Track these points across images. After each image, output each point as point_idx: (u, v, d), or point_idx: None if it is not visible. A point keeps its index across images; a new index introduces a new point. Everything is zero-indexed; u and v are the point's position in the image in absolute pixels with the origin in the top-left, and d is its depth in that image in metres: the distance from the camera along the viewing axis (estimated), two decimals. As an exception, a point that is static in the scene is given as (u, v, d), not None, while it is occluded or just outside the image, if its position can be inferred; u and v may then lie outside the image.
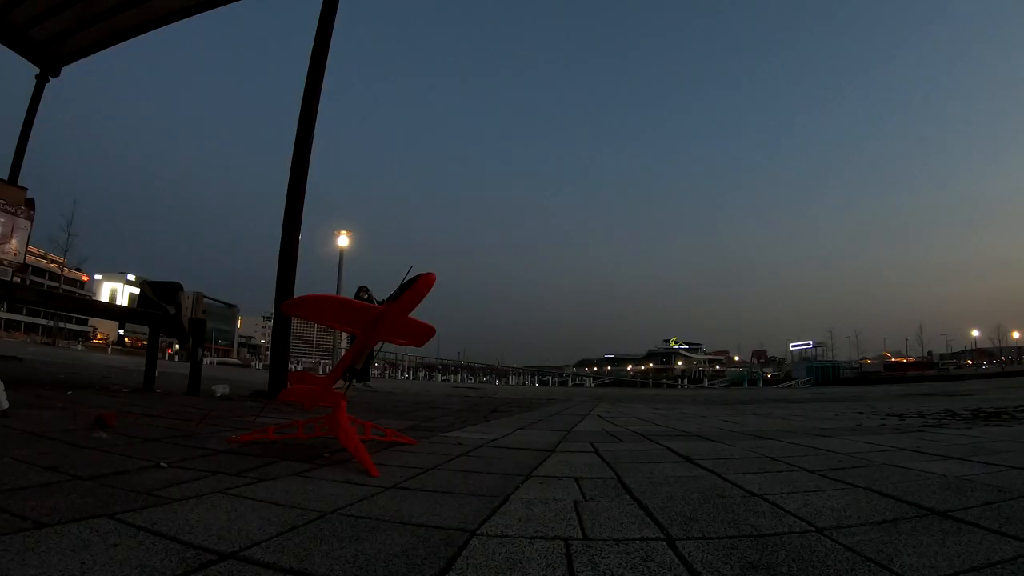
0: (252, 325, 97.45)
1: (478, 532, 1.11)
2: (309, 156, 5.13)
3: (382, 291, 2.04)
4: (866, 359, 74.90)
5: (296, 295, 4.66)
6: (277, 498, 1.32)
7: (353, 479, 1.59)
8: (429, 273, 1.87)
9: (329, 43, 5.31)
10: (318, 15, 5.28)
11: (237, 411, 3.40)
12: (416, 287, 1.86)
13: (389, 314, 1.91)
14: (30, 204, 3.86)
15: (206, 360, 6.26)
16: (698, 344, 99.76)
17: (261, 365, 46.69)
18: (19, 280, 3.83)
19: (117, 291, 78.00)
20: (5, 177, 5.62)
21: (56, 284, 49.94)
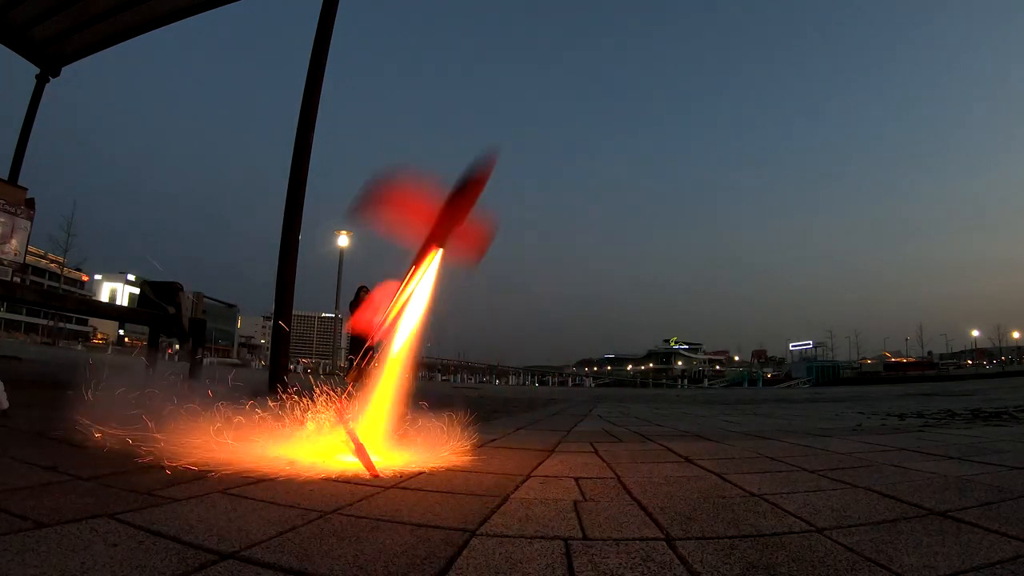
0: (252, 325, 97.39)
1: (478, 532, 1.11)
2: (309, 156, 5.12)
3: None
4: (866, 359, 74.83)
5: (295, 295, 4.65)
6: (277, 498, 1.32)
7: (353, 479, 1.59)
8: (492, 154, 1.71)
9: (329, 43, 5.30)
10: (318, 15, 5.28)
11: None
12: (481, 170, 1.69)
13: (457, 202, 1.75)
14: (30, 204, 3.86)
15: (206, 360, 6.25)
16: (698, 344, 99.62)
17: (261, 365, 46.71)
18: (19, 280, 3.83)
19: (117, 291, 77.99)
20: (5, 177, 5.62)
21: (56, 284, 49.97)
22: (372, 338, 2.00)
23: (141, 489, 1.32)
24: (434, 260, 1.91)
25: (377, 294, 2.00)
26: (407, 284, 1.91)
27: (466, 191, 1.75)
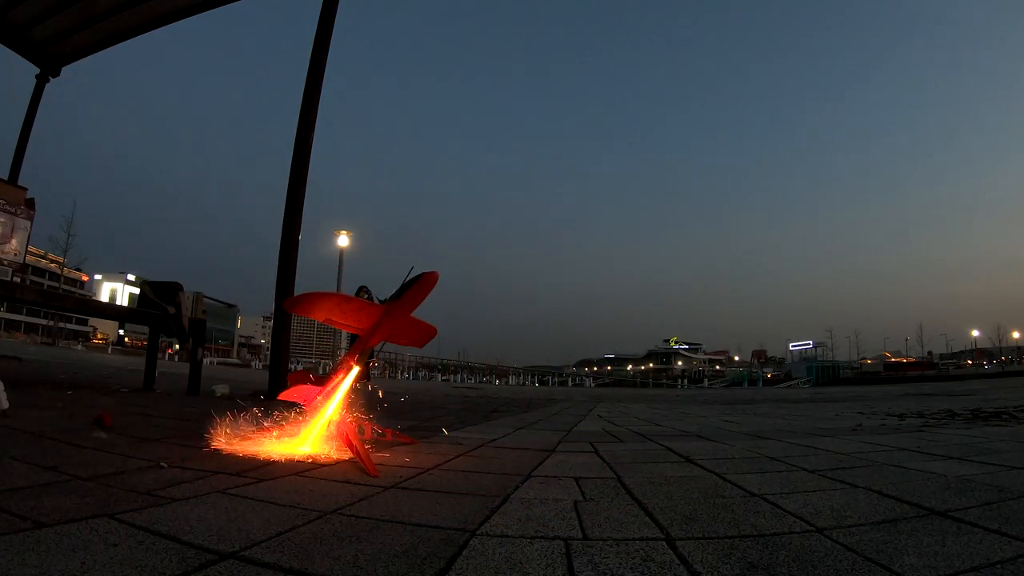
0: (252, 325, 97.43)
1: (478, 532, 1.11)
2: (309, 156, 5.13)
3: (382, 292, 2.04)
4: (866, 359, 74.80)
5: (295, 295, 4.66)
6: (277, 498, 1.32)
7: (353, 479, 1.59)
8: (432, 271, 1.86)
9: (329, 43, 5.31)
10: (318, 15, 5.28)
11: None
12: (419, 285, 1.86)
13: (391, 313, 1.91)
14: (30, 204, 3.86)
15: (206, 360, 6.25)
16: (698, 344, 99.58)
17: (261, 365, 46.71)
18: (19, 280, 3.83)
19: (117, 291, 78.00)
20: (5, 177, 5.61)
21: (56, 284, 49.97)
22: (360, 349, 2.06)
23: (141, 489, 1.32)
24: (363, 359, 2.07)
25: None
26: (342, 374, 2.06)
27: (403, 304, 1.91)
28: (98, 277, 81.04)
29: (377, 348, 2.14)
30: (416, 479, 1.64)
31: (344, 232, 21.21)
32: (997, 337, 72.91)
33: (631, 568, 0.93)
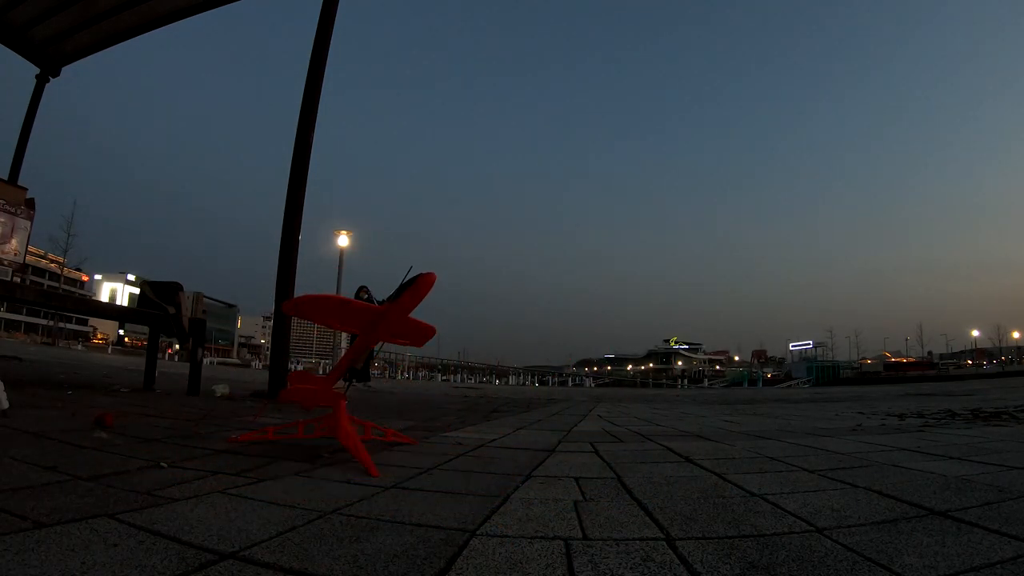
0: (252, 325, 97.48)
1: (478, 532, 1.11)
2: (309, 156, 5.13)
3: (382, 291, 2.05)
4: (866, 359, 74.87)
5: (296, 295, 4.66)
6: (277, 498, 1.32)
7: (353, 479, 1.59)
8: (429, 273, 1.87)
9: (329, 42, 5.31)
10: (318, 15, 5.28)
11: (237, 411, 3.40)
12: (416, 286, 1.87)
13: (389, 314, 1.92)
14: (30, 204, 3.86)
15: (206, 360, 6.26)
16: (698, 344, 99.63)
17: (261, 365, 46.72)
18: (19, 280, 3.83)
19: (117, 291, 78.00)
20: (5, 177, 5.61)
21: (56, 284, 49.97)
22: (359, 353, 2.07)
23: (141, 489, 1.32)
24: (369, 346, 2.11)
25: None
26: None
27: (402, 305, 1.93)
28: (98, 277, 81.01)
29: (377, 348, 2.14)
30: (416, 479, 1.64)
31: (344, 232, 21.18)
32: (997, 337, 73.00)
33: (631, 568, 0.93)
